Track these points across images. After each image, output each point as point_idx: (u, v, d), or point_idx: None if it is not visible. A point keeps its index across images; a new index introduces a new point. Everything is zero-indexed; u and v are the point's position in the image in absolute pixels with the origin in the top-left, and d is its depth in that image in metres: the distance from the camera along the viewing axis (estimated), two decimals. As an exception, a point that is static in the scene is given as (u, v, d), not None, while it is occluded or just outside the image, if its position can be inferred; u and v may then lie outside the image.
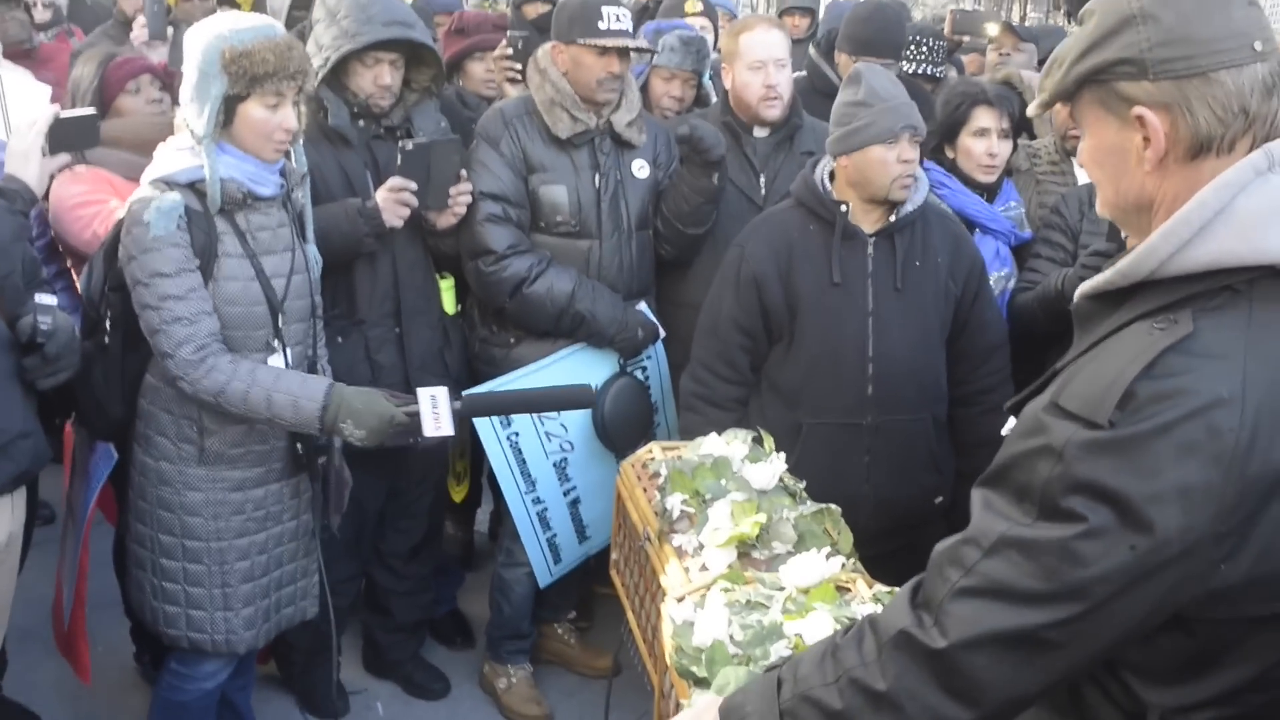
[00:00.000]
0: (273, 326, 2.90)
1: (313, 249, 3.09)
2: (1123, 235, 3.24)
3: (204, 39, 2.71)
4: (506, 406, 3.44)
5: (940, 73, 4.92)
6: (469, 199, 3.47)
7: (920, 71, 4.87)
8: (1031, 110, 1.62)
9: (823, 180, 3.24)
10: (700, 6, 4.92)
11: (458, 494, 4.26)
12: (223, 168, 2.77)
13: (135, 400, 2.95)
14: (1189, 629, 1.36)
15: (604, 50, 3.51)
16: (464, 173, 3.47)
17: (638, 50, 3.65)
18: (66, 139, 3.05)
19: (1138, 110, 1.39)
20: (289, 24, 4.18)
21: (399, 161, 3.34)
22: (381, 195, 3.35)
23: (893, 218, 3.21)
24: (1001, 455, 1.43)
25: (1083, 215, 3.65)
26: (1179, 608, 1.33)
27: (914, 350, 3.23)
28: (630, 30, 3.56)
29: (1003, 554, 1.35)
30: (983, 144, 3.74)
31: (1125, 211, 1.50)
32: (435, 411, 2.76)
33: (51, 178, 3.28)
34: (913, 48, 4.89)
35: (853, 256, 3.21)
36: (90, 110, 3.20)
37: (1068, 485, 1.30)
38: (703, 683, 1.97)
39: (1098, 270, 3.21)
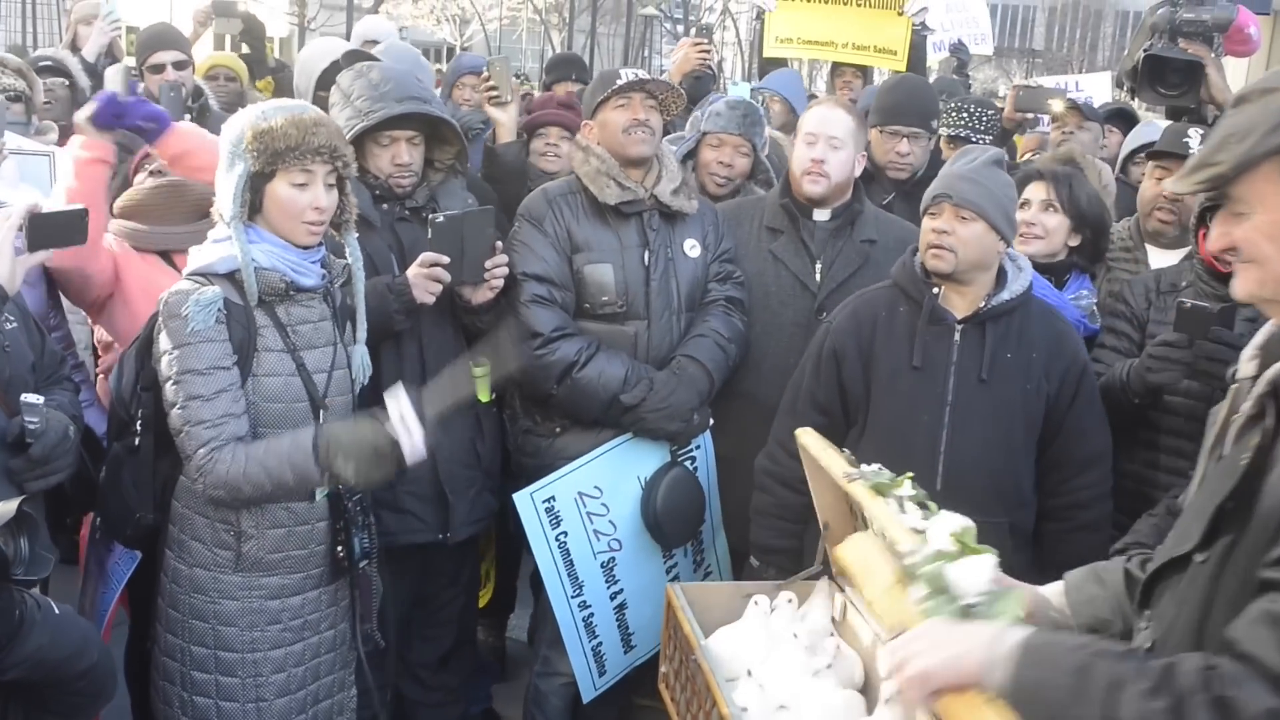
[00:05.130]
0: (315, 425, 2.81)
1: (360, 352, 3.01)
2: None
3: (237, 124, 2.75)
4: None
5: (982, 140, 4.99)
6: (505, 270, 3.40)
7: (959, 135, 5.05)
8: (1186, 185, 1.60)
9: (920, 262, 3.15)
10: (748, 92, 4.85)
11: (481, 598, 4.15)
12: (261, 256, 2.75)
13: (168, 504, 2.86)
14: None
15: (624, 99, 3.54)
16: (499, 244, 3.40)
17: (651, 92, 3.56)
18: (48, 236, 2.90)
19: None
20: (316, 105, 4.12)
21: (430, 235, 3.29)
22: (412, 271, 3.30)
23: (983, 304, 3.06)
24: None
25: (1150, 303, 3.51)
26: None
27: (992, 447, 3.09)
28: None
29: None
30: (1019, 214, 3.53)
31: None
32: (405, 424, 2.61)
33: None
34: (954, 114, 5.12)
35: (937, 341, 3.11)
36: (77, 206, 3.08)
37: None
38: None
39: (1167, 361, 3.02)
